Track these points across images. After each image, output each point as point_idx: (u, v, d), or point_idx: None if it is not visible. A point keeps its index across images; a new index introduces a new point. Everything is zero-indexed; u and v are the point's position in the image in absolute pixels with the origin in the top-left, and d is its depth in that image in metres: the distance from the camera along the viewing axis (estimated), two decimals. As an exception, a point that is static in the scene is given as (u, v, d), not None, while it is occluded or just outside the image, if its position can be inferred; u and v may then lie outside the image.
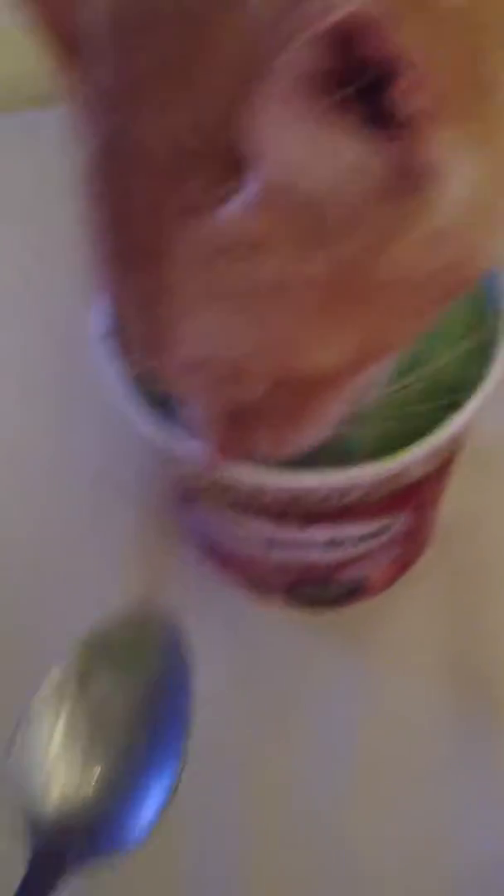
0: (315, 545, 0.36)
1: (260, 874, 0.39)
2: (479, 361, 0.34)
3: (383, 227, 0.21)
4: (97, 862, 0.27)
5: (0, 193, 0.59)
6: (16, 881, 0.26)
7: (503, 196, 0.22)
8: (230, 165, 0.21)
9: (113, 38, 0.23)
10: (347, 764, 0.41)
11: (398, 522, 0.37)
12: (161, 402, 0.32)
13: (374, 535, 0.36)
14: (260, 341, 0.24)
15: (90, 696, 0.29)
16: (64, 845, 0.27)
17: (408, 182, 0.20)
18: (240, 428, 0.28)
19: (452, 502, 0.41)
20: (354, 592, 0.42)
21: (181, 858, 0.38)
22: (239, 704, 0.41)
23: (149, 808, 0.28)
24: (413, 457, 0.31)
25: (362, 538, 0.36)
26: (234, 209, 0.21)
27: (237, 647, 0.43)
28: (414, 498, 0.36)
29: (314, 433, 0.28)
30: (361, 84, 0.19)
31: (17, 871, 0.27)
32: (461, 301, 0.35)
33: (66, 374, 0.50)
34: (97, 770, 0.28)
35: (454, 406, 0.33)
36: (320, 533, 0.35)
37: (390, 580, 0.43)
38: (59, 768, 0.28)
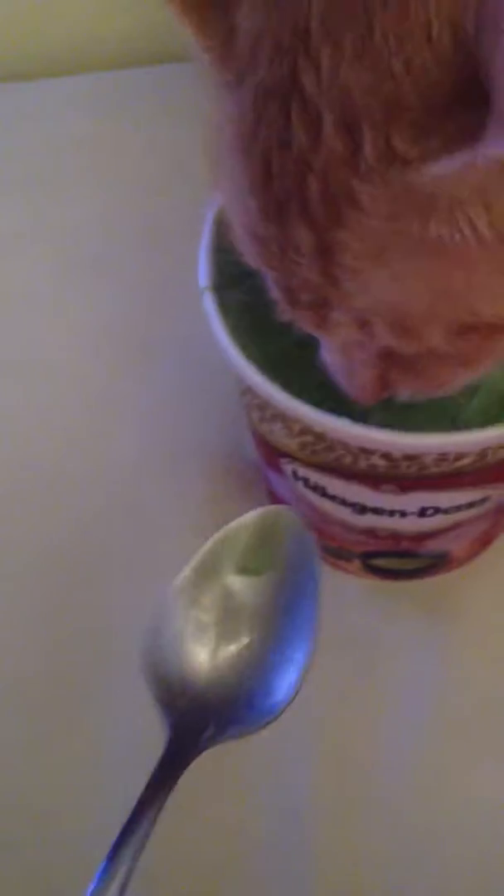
0: (408, 513, 0.35)
1: (329, 841, 0.38)
2: None
3: None
4: (232, 738, 0.28)
5: (87, 157, 0.58)
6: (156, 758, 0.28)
7: None
8: (444, 115, 0.20)
9: None
10: (421, 730, 0.40)
11: (498, 493, 0.35)
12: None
13: (470, 505, 0.35)
14: (445, 292, 0.23)
15: (222, 588, 0.29)
16: (199, 724, 0.28)
17: None
18: (388, 376, 0.27)
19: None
20: (433, 566, 0.41)
21: (254, 812, 0.38)
22: (310, 671, 0.41)
23: (281, 687, 0.29)
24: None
25: (458, 508, 0.35)
26: (458, 164, 0.20)
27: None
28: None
29: (468, 377, 0.27)
30: None
31: (157, 747, 0.28)
32: None
33: (155, 337, 0.50)
34: (230, 652, 0.29)
35: None
36: (418, 499, 0.34)
37: (471, 556, 0.42)
38: (194, 651, 0.29)
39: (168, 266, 0.45)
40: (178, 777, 0.27)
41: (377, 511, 0.35)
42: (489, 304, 0.23)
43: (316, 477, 0.34)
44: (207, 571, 0.29)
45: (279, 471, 0.37)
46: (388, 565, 0.41)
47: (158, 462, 0.46)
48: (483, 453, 0.31)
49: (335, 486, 0.34)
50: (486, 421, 0.31)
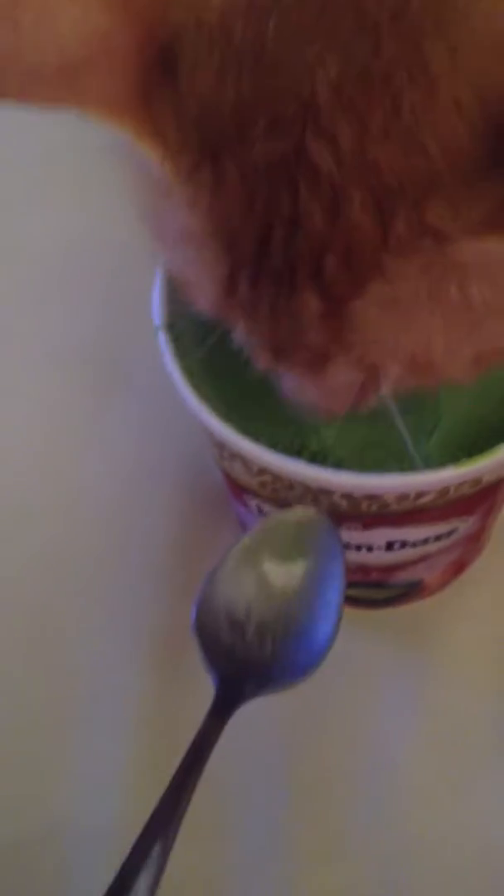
0: (375, 546, 0.34)
1: (308, 872, 0.38)
2: None
3: None
4: (273, 691, 0.33)
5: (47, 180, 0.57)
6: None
7: None
8: (481, 185, 0.21)
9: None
10: (399, 758, 0.39)
11: (466, 525, 0.35)
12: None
13: (438, 537, 0.34)
14: (472, 336, 0.24)
15: (260, 571, 0.33)
16: (240, 679, 0.32)
17: None
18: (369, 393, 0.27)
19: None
20: (406, 594, 0.40)
21: (231, 846, 0.38)
22: (287, 699, 0.40)
23: (312, 650, 0.33)
24: (492, 462, 0.29)
25: (426, 541, 0.34)
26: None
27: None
28: (486, 501, 0.34)
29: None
30: None
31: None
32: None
33: (126, 359, 0.49)
34: (267, 622, 0.33)
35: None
36: (383, 534, 0.33)
37: (445, 582, 0.41)
38: (235, 620, 0.33)
39: (139, 286, 0.44)
40: (225, 723, 0.32)
41: (344, 546, 0.34)
42: None
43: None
44: (248, 557, 0.33)
45: (245, 505, 0.36)
46: (361, 595, 0.40)
47: (129, 485, 0.46)
48: (444, 491, 0.30)
49: (299, 521, 0.34)
50: (445, 455, 0.31)
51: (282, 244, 0.23)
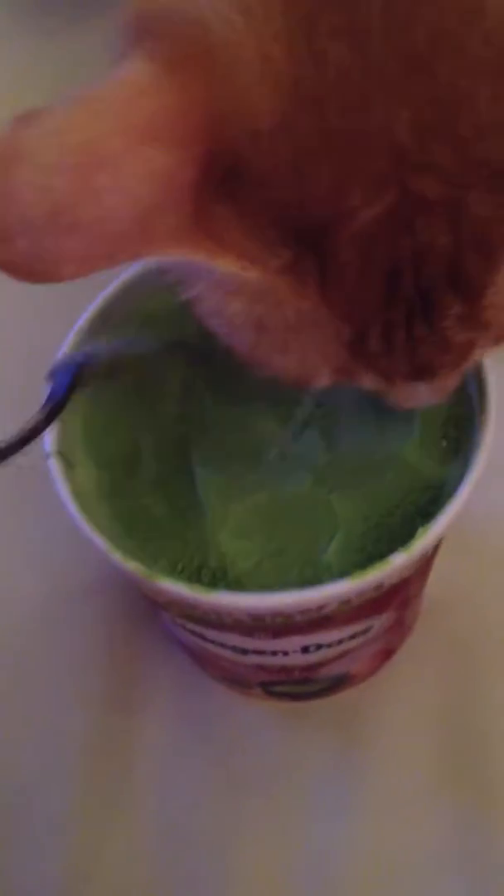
0: (290, 651, 0.34)
1: None
2: (454, 456, 0.32)
3: None
4: None
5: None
6: None
7: None
8: None
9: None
10: (337, 855, 0.38)
11: (381, 621, 0.34)
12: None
13: (353, 636, 0.34)
14: None
15: None
16: None
17: None
18: None
19: (434, 581, 0.39)
20: (336, 686, 0.40)
21: None
22: (222, 798, 0.39)
23: None
24: (389, 570, 0.29)
25: (340, 641, 0.34)
26: None
27: (217, 740, 0.41)
28: (397, 598, 0.33)
29: None
30: None
31: None
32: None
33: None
34: None
35: (433, 500, 0.32)
36: (295, 641, 0.33)
37: (374, 669, 0.41)
38: None
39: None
40: None
41: (259, 652, 0.34)
42: None
43: (191, 626, 0.33)
44: None
45: (159, 614, 0.36)
46: (289, 690, 0.39)
47: (53, 600, 0.45)
48: (346, 601, 0.30)
49: (211, 633, 0.33)
50: (346, 562, 0.31)
51: (412, 282, 0.23)
